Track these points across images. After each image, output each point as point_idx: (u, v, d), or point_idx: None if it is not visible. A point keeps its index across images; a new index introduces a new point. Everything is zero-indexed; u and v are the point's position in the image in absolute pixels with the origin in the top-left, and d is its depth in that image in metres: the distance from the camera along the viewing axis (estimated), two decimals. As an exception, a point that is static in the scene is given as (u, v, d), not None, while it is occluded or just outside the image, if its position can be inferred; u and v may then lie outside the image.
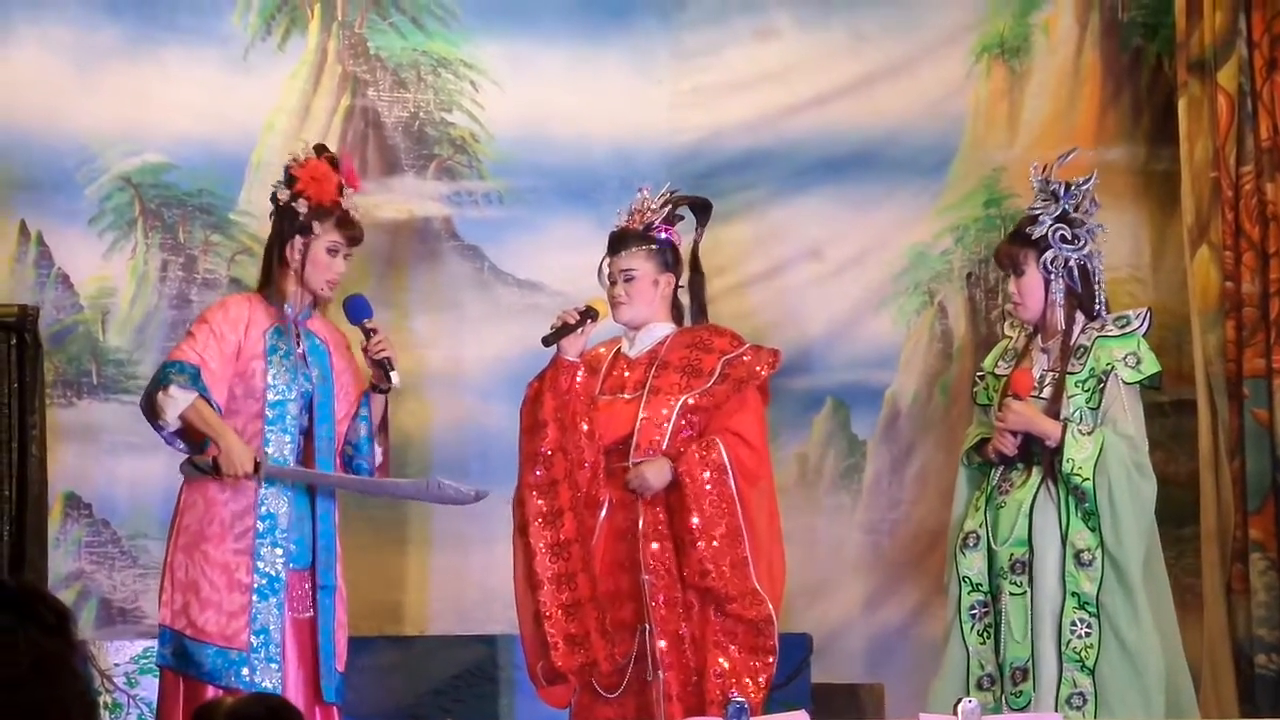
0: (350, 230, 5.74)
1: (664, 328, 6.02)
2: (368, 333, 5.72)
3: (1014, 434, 5.76)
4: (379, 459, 5.79)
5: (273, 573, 5.54)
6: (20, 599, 2.86)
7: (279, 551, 5.58)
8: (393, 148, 7.37)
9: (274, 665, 5.51)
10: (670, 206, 6.02)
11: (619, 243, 6.00)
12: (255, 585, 5.52)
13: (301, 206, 5.67)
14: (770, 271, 7.30)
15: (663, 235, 5.98)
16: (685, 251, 6.08)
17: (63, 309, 7.09)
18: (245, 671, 5.47)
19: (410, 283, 7.39)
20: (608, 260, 6.01)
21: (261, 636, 5.51)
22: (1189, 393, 6.73)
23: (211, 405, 5.53)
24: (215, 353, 5.59)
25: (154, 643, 6.13)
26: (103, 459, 6.98)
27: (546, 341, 5.86)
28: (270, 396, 5.60)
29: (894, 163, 7.38)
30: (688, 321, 6.06)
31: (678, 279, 6.03)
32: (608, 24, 7.40)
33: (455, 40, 7.37)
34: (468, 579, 7.25)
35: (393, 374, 5.69)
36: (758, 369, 5.97)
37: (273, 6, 7.29)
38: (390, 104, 7.36)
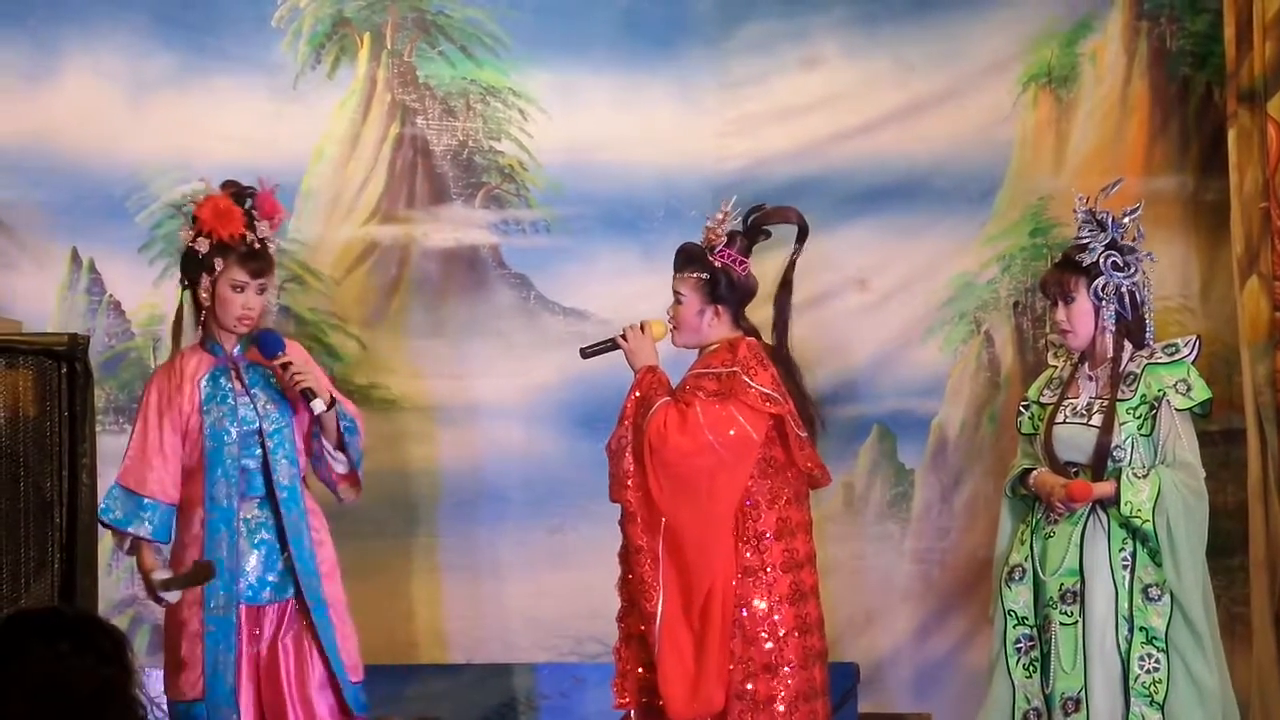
0: (254, 264, 5.56)
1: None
2: (283, 367, 5.54)
3: None
4: (342, 469, 5.68)
5: (220, 615, 5.48)
6: (78, 626, 2.88)
7: (224, 595, 5.49)
8: (441, 176, 7.39)
9: (229, 708, 5.44)
10: (760, 227, 5.82)
11: (675, 262, 5.82)
12: (206, 631, 5.46)
13: (202, 245, 5.52)
14: (816, 300, 7.27)
15: (718, 263, 5.77)
16: (769, 268, 5.92)
17: (114, 335, 7.14)
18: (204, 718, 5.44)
19: (457, 311, 7.40)
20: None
21: (215, 680, 5.44)
22: (1238, 422, 6.70)
23: (133, 528, 5.54)
24: (138, 445, 5.57)
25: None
26: (153, 486, 6.98)
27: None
28: (208, 446, 5.54)
29: (940, 192, 7.37)
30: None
31: (735, 306, 5.82)
32: (655, 53, 7.42)
33: (504, 69, 7.40)
34: (509, 607, 7.26)
35: (314, 402, 5.50)
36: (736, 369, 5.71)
37: (322, 35, 7.32)
38: (439, 132, 7.39)
